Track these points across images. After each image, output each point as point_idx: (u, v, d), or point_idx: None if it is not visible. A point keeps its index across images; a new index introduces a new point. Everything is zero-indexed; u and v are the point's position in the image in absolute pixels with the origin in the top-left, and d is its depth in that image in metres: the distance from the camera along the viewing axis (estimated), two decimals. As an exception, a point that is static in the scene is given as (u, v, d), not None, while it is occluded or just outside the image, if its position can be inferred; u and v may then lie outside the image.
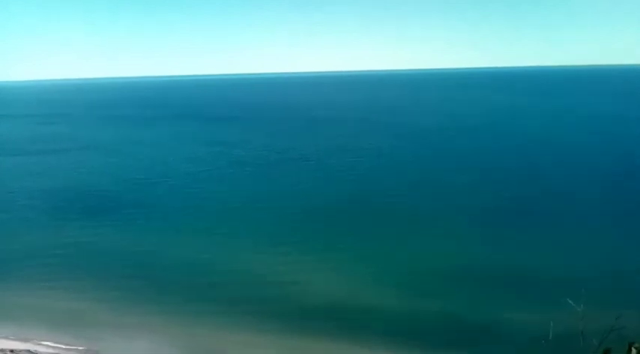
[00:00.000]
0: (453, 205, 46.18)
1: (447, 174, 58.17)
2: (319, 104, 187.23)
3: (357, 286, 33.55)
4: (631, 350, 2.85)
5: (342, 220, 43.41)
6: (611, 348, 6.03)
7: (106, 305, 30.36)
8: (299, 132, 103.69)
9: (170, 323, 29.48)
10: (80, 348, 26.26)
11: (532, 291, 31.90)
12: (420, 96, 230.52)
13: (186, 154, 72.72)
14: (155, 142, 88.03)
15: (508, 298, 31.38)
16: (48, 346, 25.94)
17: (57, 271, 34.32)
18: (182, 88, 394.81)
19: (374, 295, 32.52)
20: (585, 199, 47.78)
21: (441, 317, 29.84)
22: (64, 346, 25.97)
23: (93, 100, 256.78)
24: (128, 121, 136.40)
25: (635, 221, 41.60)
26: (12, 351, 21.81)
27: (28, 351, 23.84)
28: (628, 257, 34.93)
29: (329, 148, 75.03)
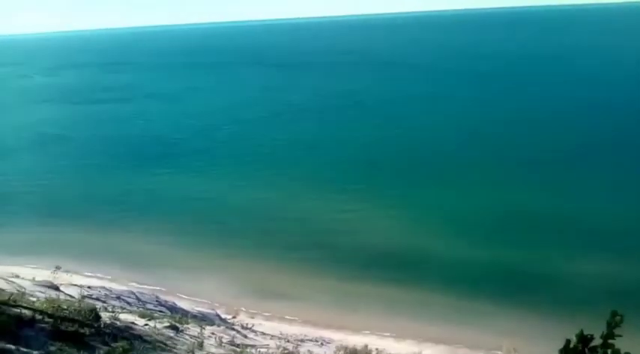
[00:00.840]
0: (509, 153, 44.67)
1: (509, 121, 55.93)
2: (371, 48, 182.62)
3: (412, 233, 33.72)
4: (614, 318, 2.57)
5: (398, 168, 43.03)
6: None
7: (173, 248, 31.76)
8: (357, 77, 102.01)
9: (233, 266, 30.69)
10: (150, 287, 27.66)
11: (590, 240, 31.19)
12: (459, 39, 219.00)
13: (244, 100, 73.22)
14: (213, 88, 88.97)
15: (565, 246, 30.83)
16: (121, 282, 27.38)
17: (126, 215, 35.95)
18: (234, 35, 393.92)
19: (428, 243, 32.69)
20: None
21: (495, 264, 29.80)
22: (135, 285, 27.38)
23: (150, 49, 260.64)
24: (186, 69, 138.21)
25: None
26: (89, 287, 23.05)
27: (104, 287, 25.07)
28: None
29: (387, 93, 73.52)
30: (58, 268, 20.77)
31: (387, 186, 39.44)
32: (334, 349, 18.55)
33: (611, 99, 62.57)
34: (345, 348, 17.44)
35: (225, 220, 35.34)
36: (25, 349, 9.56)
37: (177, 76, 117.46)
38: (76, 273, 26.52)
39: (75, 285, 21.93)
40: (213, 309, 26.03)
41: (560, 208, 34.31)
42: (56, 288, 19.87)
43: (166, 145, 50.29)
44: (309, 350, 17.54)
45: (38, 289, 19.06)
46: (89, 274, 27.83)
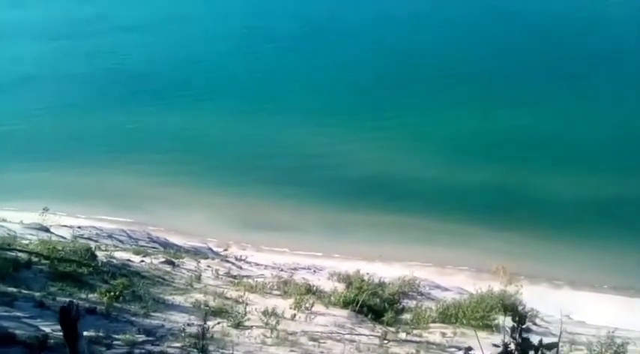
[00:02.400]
0: (495, 75, 44.03)
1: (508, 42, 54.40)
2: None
3: (398, 159, 33.83)
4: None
5: (380, 94, 42.42)
6: None
7: (162, 184, 31.61)
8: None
9: (222, 200, 30.82)
10: (141, 224, 27.78)
11: (577, 159, 31.67)
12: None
13: (222, 30, 70.64)
14: (191, 18, 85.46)
15: (552, 166, 31.29)
16: (111, 221, 27.45)
17: (110, 154, 35.42)
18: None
19: (415, 168, 32.89)
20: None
21: (482, 186, 30.27)
22: (126, 223, 27.46)
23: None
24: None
25: None
26: (79, 227, 23.10)
27: (94, 227, 25.15)
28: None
29: (375, 16, 71.08)
30: (45, 209, 20.63)
31: (370, 114, 39.09)
32: (327, 276, 19.00)
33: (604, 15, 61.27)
34: (338, 274, 17.85)
35: (211, 155, 35.08)
36: (26, 291, 9.63)
37: (153, 4, 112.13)
38: (65, 214, 26.45)
39: (65, 226, 21.92)
40: (205, 243, 26.36)
41: (548, 128, 34.48)
42: (46, 230, 19.85)
43: (146, 81, 48.74)
44: (303, 277, 17.96)
45: (29, 231, 19.02)
46: (78, 214, 27.76)
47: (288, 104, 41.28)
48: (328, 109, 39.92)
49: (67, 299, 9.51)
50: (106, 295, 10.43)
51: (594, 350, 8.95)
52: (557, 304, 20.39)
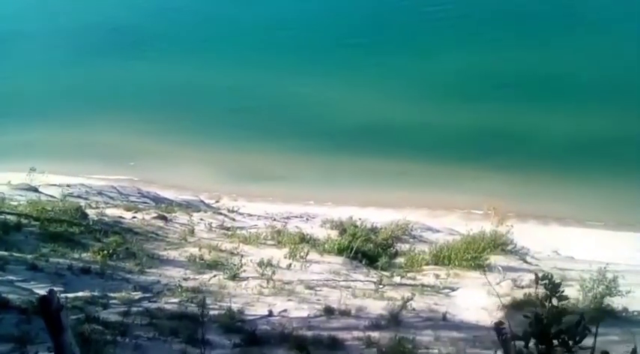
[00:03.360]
0: (481, 12, 43.09)
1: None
2: None
3: (385, 104, 33.53)
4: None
5: (366, 39, 41.50)
6: None
7: (150, 138, 31.24)
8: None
9: (210, 152, 30.58)
10: (131, 178, 27.60)
11: (567, 98, 31.58)
12: None
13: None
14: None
15: (540, 105, 31.23)
16: (100, 178, 27.21)
17: (96, 109, 34.71)
18: None
19: (403, 113, 32.68)
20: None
21: (472, 128, 30.25)
22: (115, 179, 27.22)
23: None
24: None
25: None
26: (68, 185, 22.87)
27: (83, 184, 24.92)
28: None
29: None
30: (32, 169, 20.35)
31: (361, 61, 38.41)
32: (320, 223, 19.10)
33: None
34: (331, 221, 17.95)
35: (197, 107, 34.54)
36: (18, 254, 9.55)
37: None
38: (52, 173, 26.09)
39: (53, 185, 21.70)
40: (196, 196, 26.30)
41: (537, 70, 34.11)
42: (35, 190, 19.64)
43: (127, 33, 47.19)
44: (296, 226, 18.05)
45: (17, 192, 18.81)
46: (66, 172, 27.40)
47: (276, 55, 40.38)
48: (319, 59, 39.14)
49: (60, 260, 9.51)
50: (99, 254, 10.40)
51: (586, 286, 9.12)
52: (546, 240, 20.92)
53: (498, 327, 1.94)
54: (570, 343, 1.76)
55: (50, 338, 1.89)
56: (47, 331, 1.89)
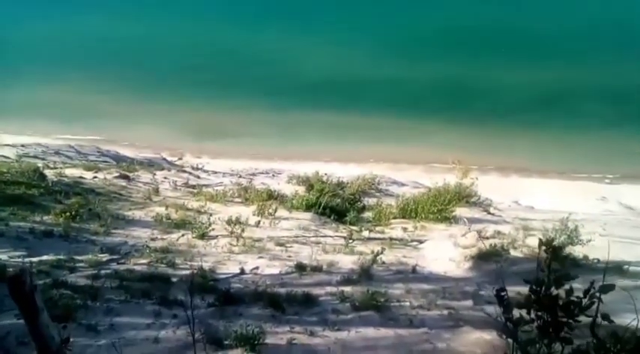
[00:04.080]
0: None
1: None
2: None
3: (349, 58, 33.28)
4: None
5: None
6: None
7: (108, 96, 30.21)
8: None
9: (170, 109, 29.83)
10: (89, 137, 26.74)
11: (528, 50, 31.92)
12: None
13: None
14: None
15: (501, 58, 31.55)
16: (56, 137, 26.25)
17: (49, 65, 33.22)
18: None
19: (366, 66, 32.54)
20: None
21: (434, 81, 30.44)
22: (72, 137, 26.32)
23: None
24: None
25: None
26: (23, 145, 22.00)
27: (39, 144, 24.06)
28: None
29: None
30: (-17, 129, 19.39)
31: (324, 17, 37.68)
32: (286, 179, 19.05)
33: None
34: (297, 177, 17.91)
35: (155, 64, 33.45)
36: (-25, 219, 9.17)
37: None
38: (4, 132, 25.09)
39: (7, 145, 20.84)
40: (158, 154, 25.73)
41: (497, 23, 34.19)
42: (-13, 150, 18.83)
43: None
44: (262, 182, 17.94)
45: (-32, 153, 18.02)
46: (19, 131, 26.33)
47: (235, 9, 39.20)
48: (281, 13, 38.20)
49: (21, 224, 9.19)
50: (61, 216, 10.10)
51: (549, 236, 9.40)
52: (508, 191, 21.45)
53: (499, 293, 1.90)
54: (575, 310, 1.74)
55: (24, 321, 1.75)
56: (21, 314, 1.75)
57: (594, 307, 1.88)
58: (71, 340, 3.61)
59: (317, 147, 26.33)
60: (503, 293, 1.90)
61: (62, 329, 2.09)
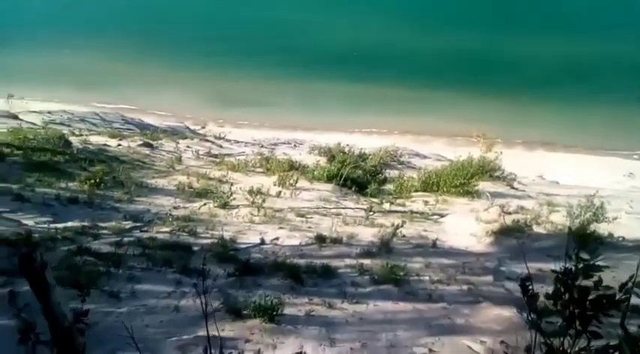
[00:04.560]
0: None
1: None
2: None
3: (372, 30, 32.78)
4: None
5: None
6: None
7: (129, 64, 30.35)
8: None
9: (195, 77, 29.90)
10: (113, 106, 26.97)
11: (556, 24, 31.01)
12: None
13: None
14: None
15: (526, 30, 30.75)
16: (82, 104, 26.54)
17: (78, 33, 33.37)
18: None
19: (389, 38, 32.03)
20: None
21: (457, 53, 29.88)
22: (97, 105, 26.59)
23: None
24: None
25: None
26: (49, 112, 22.29)
27: (64, 111, 24.35)
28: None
29: None
30: (11, 95, 19.72)
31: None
32: (308, 150, 19.00)
33: None
34: (319, 148, 17.84)
35: (179, 35, 33.40)
36: (2, 184, 9.36)
37: None
38: (32, 99, 25.42)
39: (33, 112, 21.12)
40: (181, 122, 25.89)
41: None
42: (15, 117, 19.12)
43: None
44: (284, 153, 17.93)
45: (-4, 120, 18.31)
46: (46, 99, 26.66)
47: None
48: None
49: (47, 190, 9.35)
50: (86, 183, 10.24)
51: (574, 213, 9.23)
52: (532, 165, 21.11)
53: (524, 283, 1.84)
54: (606, 304, 1.66)
55: (36, 299, 1.75)
56: (32, 291, 1.75)
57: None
58: (93, 307, 3.67)
59: (339, 118, 26.21)
60: (528, 283, 1.83)
61: (82, 302, 2.10)
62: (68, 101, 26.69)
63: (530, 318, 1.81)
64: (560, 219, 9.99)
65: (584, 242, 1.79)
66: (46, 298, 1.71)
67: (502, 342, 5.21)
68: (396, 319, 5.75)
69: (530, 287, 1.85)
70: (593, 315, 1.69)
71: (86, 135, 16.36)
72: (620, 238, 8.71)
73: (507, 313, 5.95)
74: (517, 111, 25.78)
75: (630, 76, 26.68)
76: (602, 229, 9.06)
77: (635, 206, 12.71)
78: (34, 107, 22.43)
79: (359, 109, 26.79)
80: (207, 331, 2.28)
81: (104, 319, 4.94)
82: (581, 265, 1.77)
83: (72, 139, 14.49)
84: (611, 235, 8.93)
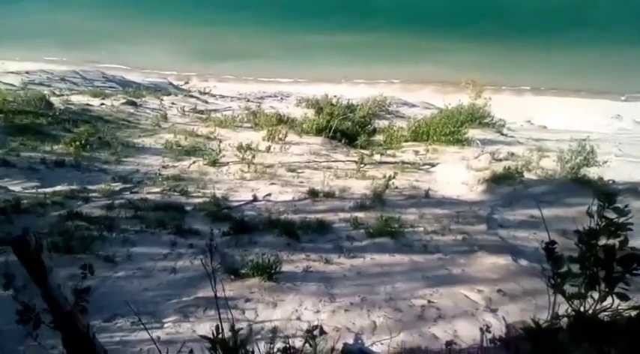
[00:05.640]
0: None
1: None
2: None
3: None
4: None
5: None
6: None
7: (111, 18, 29.34)
8: None
9: (176, 32, 29.21)
10: (93, 63, 26.24)
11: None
12: None
13: None
14: None
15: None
16: (61, 62, 25.80)
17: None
18: None
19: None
20: None
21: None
22: (75, 61, 25.84)
23: None
24: None
25: None
26: (27, 72, 21.65)
27: (43, 71, 23.67)
28: None
29: None
30: (-14, 56, 18.97)
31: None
32: (295, 102, 18.75)
33: None
34: (307, 100, 17.58)
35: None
36: (-15, 150, 9.12)
37: None
38: (8, 59, 24.66)
39: (11, 72, 20.52)
40: (164, 78, 25.33)
41: None
42: (-8, 78, 18.56)
43: None
44: (271, 106, 17.68)
45: (-28, 82, 17.76)
46: (23, 58, 25.84)
47: None
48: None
49: (32, 154, 9.14)
50: (71, 145, 10.02)
51: (565, 157, 9.23)
52: (521, 110, 21.05)
53: (549, 247, 1.78)
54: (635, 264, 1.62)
55: (34, 283, 1.67)
56: (30, 276, 1.66)
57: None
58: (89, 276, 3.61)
59: (325, 68, 25.81)
60: (553, 246, 1.78)
61: (82, 279, 2.03)
62: (47, 60, 25.94)
63: (553, 281, 1.77)
64: (550, 164, 10.01)
65: (610, 199, 1.73)
66: (44, 282, 1.63)
67: (499, 290, 5.28)
68: (393, 271, 5.79)
69: (556, 250, 1.79)
70: (620, 276, 1.65)
71: (67, 95, 15.94)
72: (610, 181, 8.78)
73: (503, 261, 6.02)
74: (505, 56, 25.50)
75: (617, 19, 26.39)
76: (592, 172, 9.11)
77: (624, 149, 12.80)
78: (11, 67, 21.76)
79: (344, 59, 26.35)
80: (217, 301, 2.23)
81: (102, 284, 4.90)
82: (604, 224, 1.72)
83: (53, 99, 14.11)
84: (601, 178, 8.99)
